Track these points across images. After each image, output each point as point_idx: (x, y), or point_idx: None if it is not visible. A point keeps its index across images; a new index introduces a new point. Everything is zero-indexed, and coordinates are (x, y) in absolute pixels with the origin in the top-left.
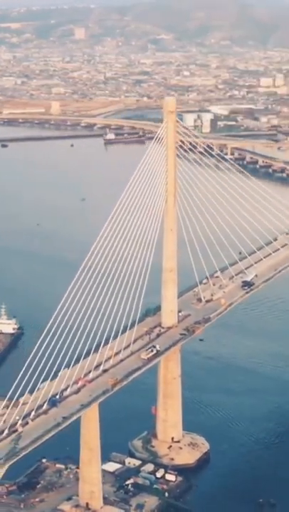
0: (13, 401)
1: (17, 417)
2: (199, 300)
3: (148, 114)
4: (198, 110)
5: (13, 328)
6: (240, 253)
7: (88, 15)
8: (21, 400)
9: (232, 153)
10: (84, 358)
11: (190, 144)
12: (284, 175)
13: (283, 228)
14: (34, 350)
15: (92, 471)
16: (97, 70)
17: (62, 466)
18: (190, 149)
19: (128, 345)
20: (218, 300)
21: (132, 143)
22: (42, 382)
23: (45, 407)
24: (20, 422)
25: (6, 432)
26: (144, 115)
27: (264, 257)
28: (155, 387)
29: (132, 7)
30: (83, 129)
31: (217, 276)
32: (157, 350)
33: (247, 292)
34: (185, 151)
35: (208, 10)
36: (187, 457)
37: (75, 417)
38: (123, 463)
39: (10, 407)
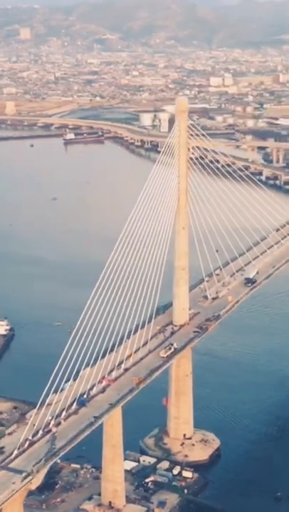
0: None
1: (49, 417)
2: (205, 298)
3: (103, 113)
4: (153, 110)
5: (6, 330)
6: (216, 251)
7: (33, 15)
8: (48, 401)
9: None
10: (102, 358)
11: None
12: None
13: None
14: (64, 351)
15: (115, 469)
16: (46, 69)
17: (78, 466)
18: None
19: (145, 344)
20: (223, 297)
21: (92, 143)
22: (65, 382)
23: (74, 407)
24: (52, 422)
25: (40, 432)
26: (99, 115)
27: (261, 254)
28: (160, 384)
29: (76, 7)
30: (40, 129)
31: (218, 274)
32: (174, 348)
33: (251, 289)
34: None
35: (152, 10)
36: (200, 454)
37: (106, 416)
38: (138, 461)
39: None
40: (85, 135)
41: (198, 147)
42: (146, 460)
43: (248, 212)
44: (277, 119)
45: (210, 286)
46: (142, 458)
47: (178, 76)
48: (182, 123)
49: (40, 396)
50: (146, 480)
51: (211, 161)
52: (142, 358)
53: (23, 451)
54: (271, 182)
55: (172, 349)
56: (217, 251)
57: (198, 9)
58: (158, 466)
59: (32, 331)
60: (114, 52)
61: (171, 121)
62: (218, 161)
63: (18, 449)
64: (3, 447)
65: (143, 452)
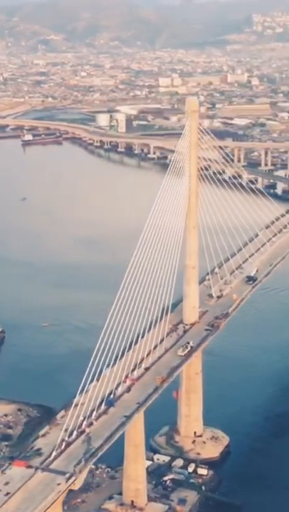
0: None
1: (81, 418)
2: (210, 296)
3: (57, 114)
4: (107, 110)
5: None
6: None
7: None
8: (75, 401)
9: (154, 152)
10: (121, 357)
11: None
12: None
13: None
14: (95, 351)
15: (137, 468)
16: None
17: (93, 466)
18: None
19: (161, 343)
20: (228, 296)
21: (50, 143)
22: (90, 382)
23: (103, 407)
24: (85, 422)
25: (75, 433)
26: (53, 116)
27: (256, 252)
28: None
29: (19, 7)
30: None
31: (217, 273)
32: (191, 347)
33: (253, 287)
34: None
35: (95, 10)
36: (212, 451)
37: (136, 416)
38: (152, 459)
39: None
40: (43, 136)
41: (160, 147)
42: (161, 458)
43: (220, 212)
44: (232, 118)
45: (212, 285)
46: (156, 456)
47: (126, 76)
48: (193, 123)
49: (42, 398)
50: (165, 478)
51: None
52: (159, 357)
53: (61, 453)
54: (235, 181)
55: (189, 347)
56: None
57: (141, 10)
58: (173, 464)
59: (22, 332)
60: (59, 53)
61: (128, 122)
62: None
63: (56, 450)
64: (39, 449)
65: (154, 451)
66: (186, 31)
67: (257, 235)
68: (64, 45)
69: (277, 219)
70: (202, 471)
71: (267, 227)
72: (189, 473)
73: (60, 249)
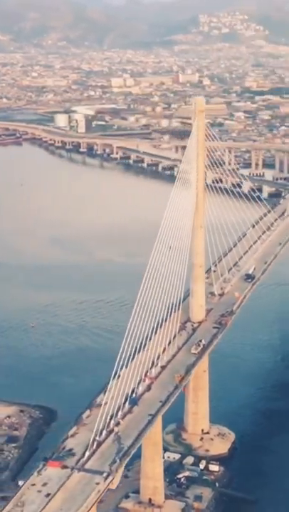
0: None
1: (108, 418)
2: (212, 294)
3: (13, 115)
4: (63, 111)
5: None
6: (170, 248)
7: None
8: (98, 401)
9: (116, 152)
10: (135, 356)
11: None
12: (174, 172)
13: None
14: (120, 351)
15: (155, 466)
16: None
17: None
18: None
19: (172, 341)
20: (229, 294)
21: (10, 144)
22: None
23: (127, 406)
24: (112, 422)
25: (104, 432)
26: (9, 116)
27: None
28: None
29: None
30: None
31: (215, 271)
32: (203, 345)
33: (253, 284)
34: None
35: (42, 10)
36: (220, 447)
37: (161, 414)
38: (162, 457)
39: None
40: (3, 137)
41: (122, 147)
42: (171, 456)
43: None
44: (189, 118)
45: (214, 283)
46: (166, 454)
47: (77, 77)
48: (200, 122)
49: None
50: (179, 476)
51: (136, 161)
52: (174, 355)
53: (93, 452)
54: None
55: (201, 345)
56: (170, 248)
57: (88, 10)
58: (184, 461)
59: (10, 333)
60: (7, 53)
61: (88, 122)
62: (142, 161)
63: (89, 450)
64: (71, 449)
65: (163, 448)
66: (133, 31)
67: (245, 234)
68: (11, 46)
69: (261, 218)
70: (213, 467)
71: (253, 226)
72: (201, 470)
73: (30, 250)
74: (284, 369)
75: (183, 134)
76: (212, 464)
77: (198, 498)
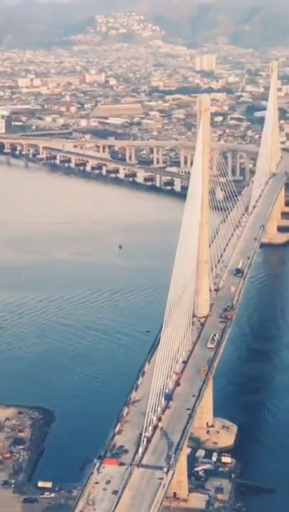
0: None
1: (150, 414)
2: (209, 289)
3: None
4: None
5: None
6: (120, 247)
7: None
8: (133, 398)
9: (42, 153)
10: (154, 351)
11: None
12: (102, 171)
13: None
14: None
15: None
16: None
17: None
18: None
19: (186, 336)
20: (224, 288)
21: None
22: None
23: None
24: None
25: (150, 428)
26: None
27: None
28: None
29: None
30: None
31: None
32: (217, 339)
33: (244, 278)
34: None
35: None
36: (226, 440)
37: (198, 408)
38: None
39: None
40: None
41: (48, 147)
42: None
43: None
44: (107, 118)
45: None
46: None
47: None
48: (206, 121)
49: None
50: (197, 469)
51: (62, 161)
52: (191, 350)
53: (146, 449)
54: (130, 179)
55: (216, 340)
56: (120, 247)
57: None
58: (196, 454)
59: None
60: None
61: (8, 122)
62: (69, 161)
63: (142, 446)
64: (122, 446)
65: None
66: (31, 32)
67: (218, 231)
68: None
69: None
70: (226, 459)
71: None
72: (214, 462)
73: None
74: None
75: (104, 133)
76: (224, 455)
77: (219, 489)
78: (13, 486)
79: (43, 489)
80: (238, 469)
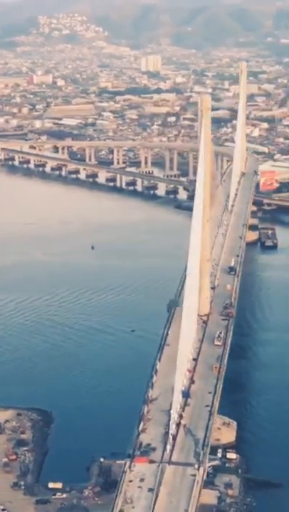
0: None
1: (172, 411)
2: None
3: None
4: None
5: None
6: (92, 247)
7: None
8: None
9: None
10: (162, 350)
11: None
12: (62, 172)
13: None
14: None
15: None
16: None
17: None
18: None
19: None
20: (220, 286)
21: None
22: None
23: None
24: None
25: (174, 426)
26: None
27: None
28: None
29: None
30: None
31: None
32: (223, 337)
33: (237, 276)
34: None
35: None
36: (228, 436)
37: (216, 404)
38: None
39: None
40: None
41: (5, 148)
42: None
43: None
44: (61, 119)
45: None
46: None
47: None
48: (206, 120)
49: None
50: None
51: (21, 162)
52: (199, 348)
53: (173, 446)
54: (91, 180)
55: (222, 337)
56: (93, 247)
57: None
58: None
59: None
60: None
61: None
62: (28, 162)
63: (169, 444)
64: (149, 444)
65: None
66: None
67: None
68: None
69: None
70: (231, 455)
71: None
72: (220, 458)
73: None
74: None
75: (59, 134)
76: (229, 451)
77: (228, 485)
78: (23, 487)
79: (54, 490)
80: (243, 465)
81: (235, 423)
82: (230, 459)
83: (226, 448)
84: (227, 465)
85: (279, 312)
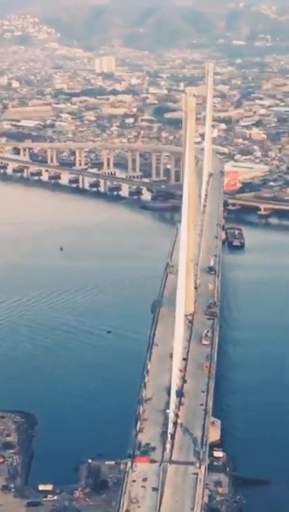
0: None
1: (167, 411)
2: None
3: None
4: None
5: None
6: (61, 249)
7: None
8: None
9: None
10: (151, 349)
11: None
12: (24, 174)
13: None
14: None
15: None
16: None
17: (113, 463)
18: None
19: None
20: (202, 286)
21: None
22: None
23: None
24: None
25: (170, 426)
26: None
27: None
28: None
29: None
30: None
31: (173, 266)
32: (210, 336)
33: (217, 276)
34: None
35: None
36: (214, 434)
37: (211, 403)
38: None
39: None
40: None
41: None
42: None
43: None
44: (19, 120)
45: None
46: None
47: None
48: (191, 121)
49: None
50: None
51: None
52: (188, 348)
53: (172, 445)
54: (53, 181)
55: (209, 336)
56: (61, 249)
57: None
58: None
59: None
60: None
61: None
62: None
63: (169, 443)
64: (149, 443)
65: None
66: None
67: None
68: None
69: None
70: (218, 453)
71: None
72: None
73: None
74: None
75: (18, 136)
76: (216, 450)
77: (218, 483)
78: (13, 490)
79: (45, 492)
80: (230, 463)
81: (219, 422)
82: (217, 458)
83: (212, 446)
84: (215, 463)
85: (247, 312)
